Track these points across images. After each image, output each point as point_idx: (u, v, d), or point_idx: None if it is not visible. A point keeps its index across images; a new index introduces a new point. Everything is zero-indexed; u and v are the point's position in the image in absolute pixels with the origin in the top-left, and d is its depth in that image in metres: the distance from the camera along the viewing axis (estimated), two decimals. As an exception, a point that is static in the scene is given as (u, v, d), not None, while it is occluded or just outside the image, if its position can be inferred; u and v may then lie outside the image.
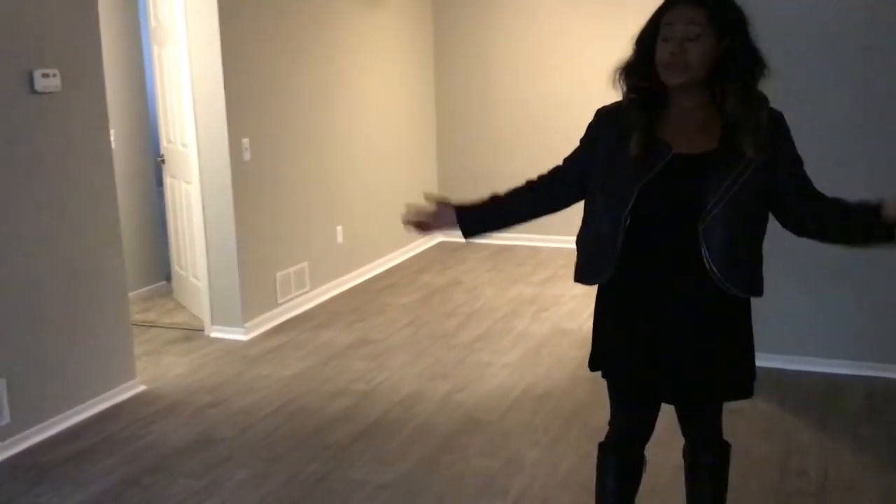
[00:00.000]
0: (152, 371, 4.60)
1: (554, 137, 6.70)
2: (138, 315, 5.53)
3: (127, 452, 3.66)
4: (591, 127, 2.28)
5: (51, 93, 3.79)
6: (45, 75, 3.74)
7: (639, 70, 2.13)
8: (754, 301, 2.23)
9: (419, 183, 7.32)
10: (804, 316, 4.27)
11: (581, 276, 2.31)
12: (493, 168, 7.27)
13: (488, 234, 2.41)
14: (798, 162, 2.15)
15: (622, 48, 2.20)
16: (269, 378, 4.47)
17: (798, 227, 2.17)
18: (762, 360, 4.18)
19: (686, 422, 2.40)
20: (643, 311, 2.20)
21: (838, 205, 2.11)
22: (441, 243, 7.42)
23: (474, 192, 2.35)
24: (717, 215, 2.06)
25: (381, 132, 6.69)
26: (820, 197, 2.15)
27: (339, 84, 6.04)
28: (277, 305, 5.42)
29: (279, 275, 5.44)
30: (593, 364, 2.38)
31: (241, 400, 4.19)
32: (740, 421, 3.67)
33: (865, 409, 3.87)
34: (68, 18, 3.89)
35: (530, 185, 2.38)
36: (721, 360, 2.21)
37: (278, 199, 5.41)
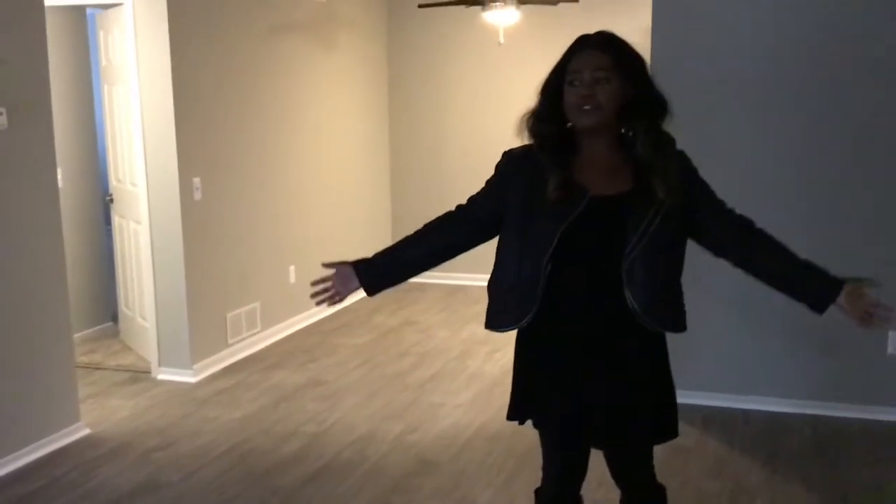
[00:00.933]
0: (98, 414, 4.50)
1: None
2: (83, 357, 5.42)
3: (72, 497, 3.57)
4: (500, 169, 2.28)
5: (-3, 131, 3.74)
6: (-8, 113, 3.70)
7: (547, 116, 2.15)
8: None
9: (373, 223, 7.34)
10: (751, 355, 4.34)
11: (496, 322, 2.28)
12: (446, 207, 7.29)
13: (393, 287, 2.38)
14: (707, 187, 2.21)
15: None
16: (217, 420, 4.40)
17: (718, 248, 2.22)
18: (710, 400, 4.32)
19: (619, 469, 2.36)
20: (570, 355, 2.19)
21: (779, 249, 2.17)
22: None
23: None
24: (637, 255, 2.08)
25: (335, 172, 6.70)
26: (742, 222, 2.21)
27: (293, 123, 6.05)
28: (228, 346, 5.36)
29: (230, 315, 5.38)
30: (513, 414, 2.33)
31: (190, 443, 4.12)
32: (690, 459, 3.71)
33: (811, 447, 3.94)
34: (16, 56, 3.85)
35: (426, 230, 2.35)
36: (650, 400, 2.21)
37: (230, 239, 5.38)
